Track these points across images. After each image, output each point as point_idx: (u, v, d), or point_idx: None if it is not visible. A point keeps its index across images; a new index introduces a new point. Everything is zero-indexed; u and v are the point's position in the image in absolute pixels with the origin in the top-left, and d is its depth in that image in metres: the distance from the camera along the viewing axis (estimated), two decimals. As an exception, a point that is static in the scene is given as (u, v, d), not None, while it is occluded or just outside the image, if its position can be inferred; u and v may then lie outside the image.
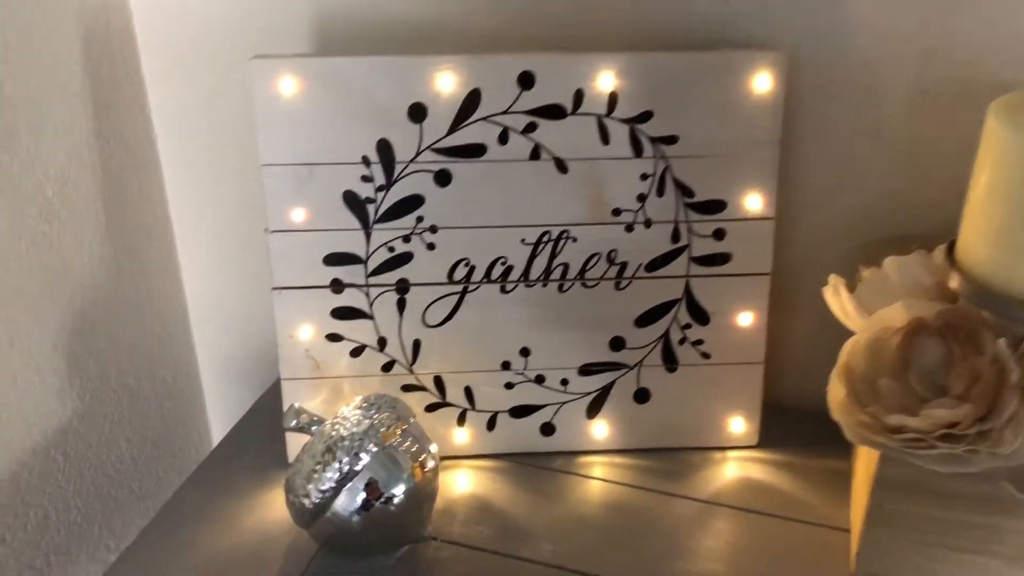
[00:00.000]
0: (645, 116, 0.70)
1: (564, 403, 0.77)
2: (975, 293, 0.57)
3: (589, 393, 0.77)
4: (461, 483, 0.76)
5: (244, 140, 0.82)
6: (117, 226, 0.83)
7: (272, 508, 0.72)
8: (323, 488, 0.64)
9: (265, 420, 0.82)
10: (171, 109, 0.86)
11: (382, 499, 0.64)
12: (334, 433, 0.66)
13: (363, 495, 0.63)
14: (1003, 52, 0.69)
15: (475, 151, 0.70)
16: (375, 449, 0.64)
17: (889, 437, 0.55)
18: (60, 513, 0.79)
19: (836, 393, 0.58)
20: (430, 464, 0.68)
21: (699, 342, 0.76)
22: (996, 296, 0.56)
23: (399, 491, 0.64)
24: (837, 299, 0.65)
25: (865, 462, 0.65)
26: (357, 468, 0.64)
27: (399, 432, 0.67)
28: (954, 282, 0.59)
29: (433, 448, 0.69)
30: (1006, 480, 0.57)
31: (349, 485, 0.63)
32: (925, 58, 0.71)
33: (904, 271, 0.63)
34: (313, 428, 0.69)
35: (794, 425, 0.80)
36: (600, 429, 0.79)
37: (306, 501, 0.65)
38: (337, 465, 0.64)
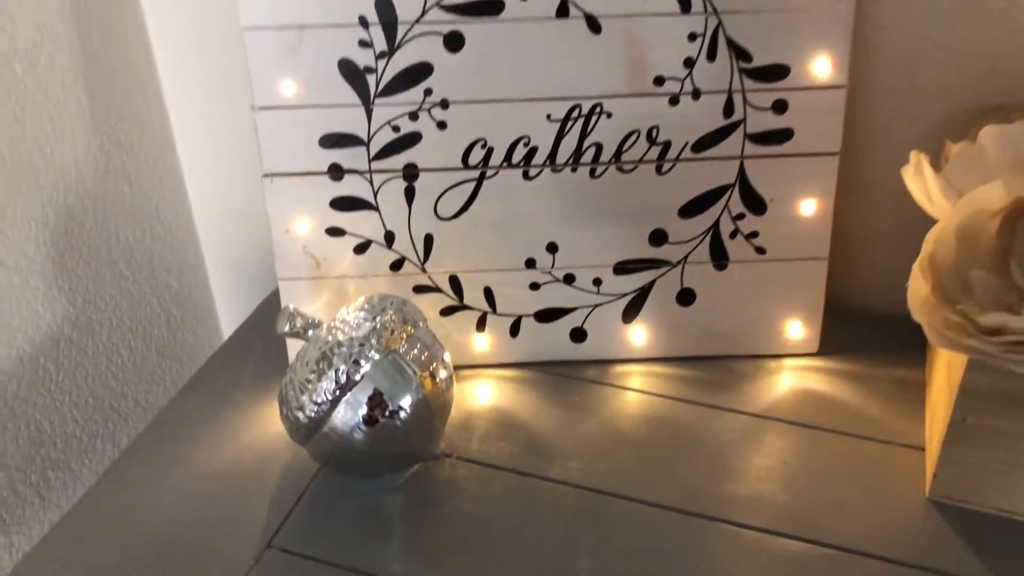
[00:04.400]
0: (692, -37, 0.63)
1: (597, 306, 0.73)
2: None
3: (625, 294, 0.72)
4: (481, 395, 0.72)
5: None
6: (102, 112, 0.79)
7: (272, 422, 0.69)
8: (319, 400, 0.59)
9: (268, 325, 0.77)
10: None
11: (387, 412, 0.59)
12: (330, 338, 0.61)
13: (365, 408, 0.59)
14: None
15: (491, 8, 0.64)
16: (377, 356, 0.60)
17: (983, 340, 0.51)
18: (56, 426, 0.77)
19: (918, 289, 0.53)
20: (442, 373, 0.63)
21: (753, 235, 0.70)
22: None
23: (406, 403, 0.60)
24: (919, 180, 0.57)
25: (945, 370, 0.61)
26: (356, 377, 0.59)
27: (405, 337, 0.62)
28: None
29: (446, 357, 0.64)
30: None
31: (348, 397, 0.59)
32: None
33: (1004, 143, 0.55)
34: (310, 332, 0.63)
35: (859, 331, 0.75)
36: (638, 335, 0.74)
37: (300, 415, 0.60)
38: (333, 374, 0.59)
